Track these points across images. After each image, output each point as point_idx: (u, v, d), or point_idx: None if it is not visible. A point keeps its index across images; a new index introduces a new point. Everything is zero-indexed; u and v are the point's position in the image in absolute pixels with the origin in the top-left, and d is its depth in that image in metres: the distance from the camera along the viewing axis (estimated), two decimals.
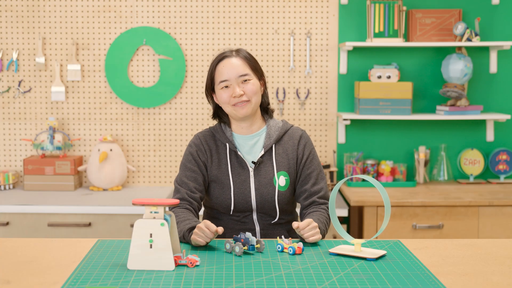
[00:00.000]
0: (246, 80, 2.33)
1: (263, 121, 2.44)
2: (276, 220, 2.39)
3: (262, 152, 2.37)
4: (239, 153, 2.36)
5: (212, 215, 2.44)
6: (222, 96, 2.34)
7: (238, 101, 2.32)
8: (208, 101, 2.45)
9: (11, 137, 3.98)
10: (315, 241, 2.17)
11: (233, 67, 2.32)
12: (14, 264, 1.95)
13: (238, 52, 2.37)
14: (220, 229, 2.09)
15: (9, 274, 1.86)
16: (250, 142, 2.40)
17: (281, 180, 2.36)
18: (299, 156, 2.40)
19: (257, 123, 2.41)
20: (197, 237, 2.10)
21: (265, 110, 2.46)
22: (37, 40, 3.91)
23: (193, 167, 2.37)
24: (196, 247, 2.14)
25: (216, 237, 2.38)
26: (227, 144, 2.38)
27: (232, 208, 2.36)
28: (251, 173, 2.36)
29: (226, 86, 2.32)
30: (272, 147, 2.39)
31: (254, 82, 2.34)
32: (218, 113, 2.44)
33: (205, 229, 2.09)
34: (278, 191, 2.36)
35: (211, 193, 2.39)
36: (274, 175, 2.36)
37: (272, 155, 2.38)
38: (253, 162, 2.36)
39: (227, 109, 2.36)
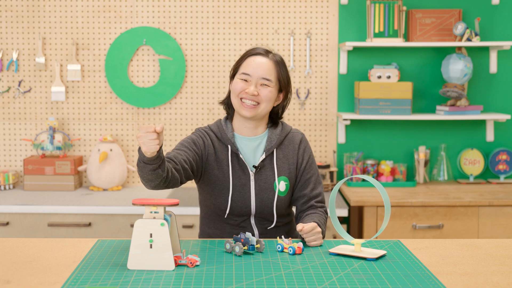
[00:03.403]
0: (265, 85, 2.29)
1: (266, 125, 2.41)
2: (273, 226, 2.37)
3: (264, 156, 2.34)
4: (240, 155, 2.33)
5: (210, 217, 2.42)
6: (236, 85, 2.30)
7: (248, 99, 2.28)
8: (230, 84, 2.37)
9: (11, 137, 3.98)
10: (316, 245, 2.17)
11: (261, 66, 2.29)
12: (14, 264, 1.95)
13: (274, 55, 2.34)
14: (159, 128, 1.94)
15: (9, 274, 1.86)
16: (252, 144, 2.37)
17: (281, 186, 2.34)
18: (299, 160, 2.39)
19: (261, 127, 2.38)
20: (142, 144, 1.95)
21: (275, 118, 2.42)
22: (37, 40, 3.91)
23: (189, 147, 2.29)
24: (196, 247, 2.14)
25: (216, 238, 2.39)
26: (229, 146, 2.35)
27: (227, 211, 2.33)
28: (252, 177, 2.33)
29: (245, 80, 2.29)
30: (273, 151, 2.36)
31: (271, 90, 2.30)
32: (228, 101, 2.40)
33: (145, 134, 1.94)
34: (278, 196, 2.34)
35: (210, 193, 2.35)
36: (274, 180, 2.34)
37: (273, 160, 2.36)
38: (254, 166, 2.34)
39: (234, 100, 2.32)
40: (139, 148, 2.01)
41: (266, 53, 2.34)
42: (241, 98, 2.29)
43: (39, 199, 3.58)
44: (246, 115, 2.30)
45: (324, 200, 2.41)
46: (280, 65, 2.33)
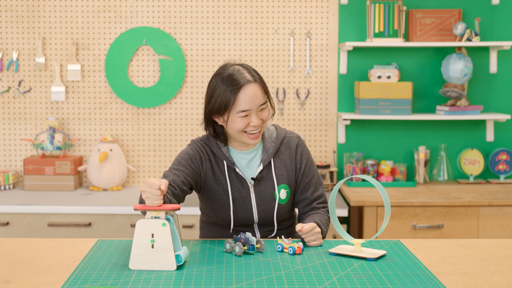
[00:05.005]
0: (263, 108, 2.22)
1: None
2: (274, 234, 2.37)
3: (261, 168, 2.31)
4: (237, 170, 2.30)
5: (212, 224, 2.41)
6: (238, 124, 2.19)
7: (253, 130, 2.21)
8: (205, 127, 2.27)
9: (11, 137, 3.98)
10: (316, 245, 2.17)
11: (256, 96, 2.18)
12: (14, 264, 1.95)
13: (253, 75, 2.20)
14: (163, 186, 1.90)
15: (9, 274, 1.86)
16: (247, 157, 2.33)
17: (282, 194, 2.32)
18: (297, 166, 2.35)
19: None
20: (146, 199, 1.93)
21: None
22: (37, 40, 3.91)
23: (187, 165, 2.26)
24: (196, 247, 2.14)
25: (216, 238, 2.39)
26: (225, 161, 2.30)
27: (232, 225, 2.33)
28: (251, 189, 2.30)
29: (245, 115, 2.19)
30: (270, 161, 2.33)
31: (268, 108, 2.24)
32: (215, 129, 2.28)
33: (150, 189, 1.91)
34: (278, 204, 2.32)
35: (211, 206, 2.34)
36: (275, 189, 2.32)
37: (271, 169, 2.32)
38: (252, 179, 2.31)
39: (236, 135, 2.24)
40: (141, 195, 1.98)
41: (249, 76, 2.19)
42: (245, 131, 2.22)
43: (39, 199, 3.58)
44: (255, 143, 2.25)
45: (326, 201, 2.39)
46: (262, 79, 2.23)
